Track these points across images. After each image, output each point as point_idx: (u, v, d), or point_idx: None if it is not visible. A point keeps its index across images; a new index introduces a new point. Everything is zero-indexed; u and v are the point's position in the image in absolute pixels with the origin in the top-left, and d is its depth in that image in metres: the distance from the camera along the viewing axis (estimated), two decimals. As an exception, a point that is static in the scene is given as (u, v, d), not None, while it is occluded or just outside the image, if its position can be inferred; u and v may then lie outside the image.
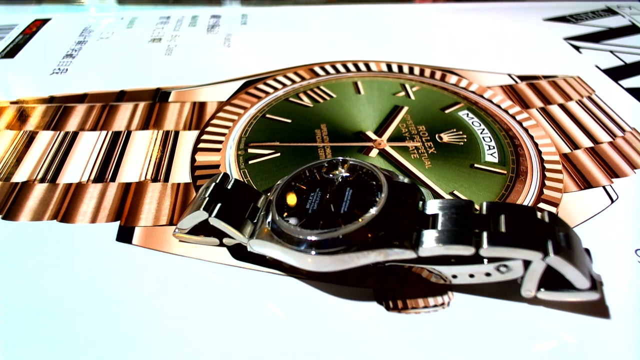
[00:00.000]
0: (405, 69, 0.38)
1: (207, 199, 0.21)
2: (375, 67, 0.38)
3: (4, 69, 0.38)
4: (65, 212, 0.25)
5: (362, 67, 0.38)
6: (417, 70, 0.38)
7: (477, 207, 0.20)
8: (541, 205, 0.25)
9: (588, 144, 0.30)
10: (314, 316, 0.20)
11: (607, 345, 0.19)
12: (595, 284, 0.19)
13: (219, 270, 0.22)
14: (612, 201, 0.26)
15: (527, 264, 0.18)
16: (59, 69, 0.38)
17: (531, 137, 0.30)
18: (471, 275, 0.20)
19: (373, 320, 0.20)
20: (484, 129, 0.31)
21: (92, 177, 0.27)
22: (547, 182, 0.27)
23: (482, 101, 0.34)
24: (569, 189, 0.26)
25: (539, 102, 0.34)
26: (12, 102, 0.34)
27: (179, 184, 0.27)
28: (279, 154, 0.29)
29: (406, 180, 0.21)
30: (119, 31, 0.45)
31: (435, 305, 0.20)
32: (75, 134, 0.31)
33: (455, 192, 0.26)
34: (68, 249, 0.23)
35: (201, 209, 0.21)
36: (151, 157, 0.29)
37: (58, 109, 0.33)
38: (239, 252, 0.22)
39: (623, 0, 0.52)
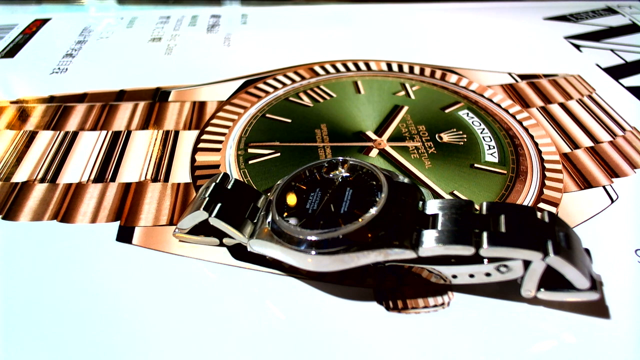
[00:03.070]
0: (406, 68, 0.38)
1: (207, 199, 0.21)
2: (375, 66, 0.38)
3: (4, 69, 0.38)
4: (66, 212, 0.25)
5: (362, 67, 0.38)
6: (417, 70, 0.38)
7: (477, 207, 0.20)
8: (541, 205, 0.25)
9: (588, 143, 0.30)
10: (314, 316, 0.20)
11: (607, 345, 0.19)
12: (595, 284, 0.19)
13: (219, 270, 0.22)
14: (612, 201, 0.26)
15: (527, 264, 0.18)
16: (59, 68, 0.38)
17: (531, 137, 0.30)
18: (471, 275, 0.20)
19: (373, 320, 0.20)
20: (484, 129, 0.31)
21: (92, 177, 0.27)
22: (547, 182, 0.27)
23: (482, 100, 0.34)
24: (569, 188, 0.26)
25: (539, 101, 0.34)
26: (12, 102, 0.34)
27: (179, 184, 0.27)
28: (279, 154, 0.29)
29: (406, 180, 0.21)
30: (118, 31, 0.45)
31: (435, 305, 0.20)
32: (75, 134, 0.31)
33: (455, 192, 0.26)
34: (68, 249, 0.23)
35: (201, 209, 0.21)
36: (151, 157, 0.29)
37: (58, 109, 0.33)
38: (239, 252, 0.22)
39: (623, 0, 0.52)
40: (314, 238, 0.19)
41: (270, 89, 0.35)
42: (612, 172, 0.28)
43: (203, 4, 0.52)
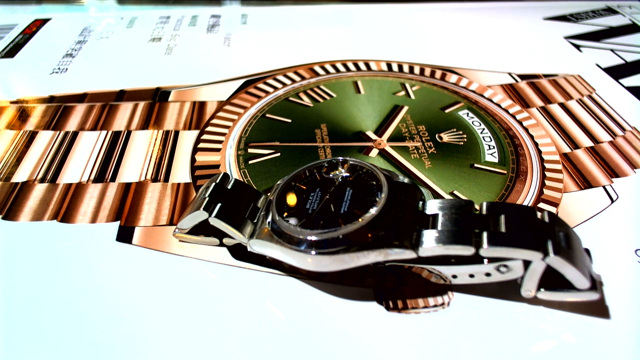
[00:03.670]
0: (406, 68, 0.38)
1: (207, 198, 0.21)
2: (375, 66, 0.38)
3: (4, 69, 0.38)
4: (65, 212, 0.25)
5: (362, 67, 0.38)
6: (417, 70, 0.38)
7: (477, 207, 0.20)
8: (541, 205, 0.25)
9: (588, 143, 0.30)
10: (314, 316, 0.20)
11: (607, 345, 0.19)
12: (595, 284, 0.19)
13: (219, 270, 0.22)
14: (612, 201, 0.26)
15: (527, 264, 0.18)
16: (59, 68, 0.38)
17: (531, 137, 0.30)
18: (471, 276, 0.20)
19: (373, 320, 0.20)
20: (484, 129, 0.31)
21: (92, 177, 0.27)
22: (547, 182, 0.27)
23: (482, 100, 0.34)
24: (569, 188, 0.26)
25: (539, 101, 0.34)
26: (12, 102, 0.34)
27: (179, 184, 0.27)
28: (279, 154, 0.29)
29: (406, 180, 0.21)
30: (118, 31, 0.45)
31: (435, 305, 0.20)
32: (75, 134, 0.31)
33: (455, 192, 0.26)
34: (68, 249, 0.23)
35: (201, 209, 0.21)
36: (151, 157, 0.29)
37: (58, 109, 0.33)
38: (239, 252, 0.22)
39: (623, 0, 0.52)
40: (314, 238, 0.19)
41: (270, 89, 0.35)
42: (612, 172, 0.28)
43: (203, 4, 0.52)
